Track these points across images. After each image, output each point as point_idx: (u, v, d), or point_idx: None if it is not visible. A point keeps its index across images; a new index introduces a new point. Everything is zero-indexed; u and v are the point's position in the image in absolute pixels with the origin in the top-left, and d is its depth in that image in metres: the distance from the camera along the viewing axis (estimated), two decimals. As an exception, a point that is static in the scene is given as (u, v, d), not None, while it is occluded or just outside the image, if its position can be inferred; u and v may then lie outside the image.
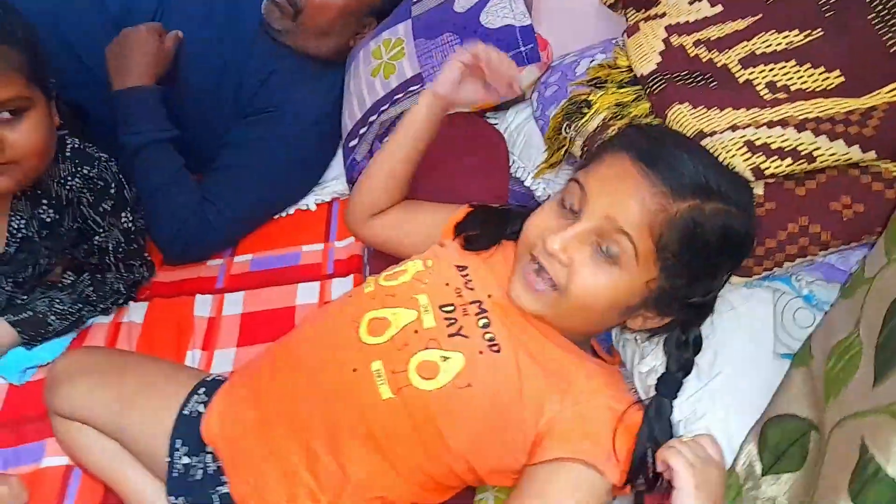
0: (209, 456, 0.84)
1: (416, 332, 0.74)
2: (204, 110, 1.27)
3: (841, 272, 0.74)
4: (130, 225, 1.10)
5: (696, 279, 0.71)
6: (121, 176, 1.07)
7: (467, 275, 0.79)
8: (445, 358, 0.72)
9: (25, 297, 1.11)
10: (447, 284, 0.78)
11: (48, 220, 1.03)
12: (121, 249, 1.11)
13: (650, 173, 0.68)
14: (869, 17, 0.76)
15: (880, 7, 0.75)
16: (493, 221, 0.87)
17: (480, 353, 0.72)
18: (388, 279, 0.81)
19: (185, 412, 0.89)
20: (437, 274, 0.80)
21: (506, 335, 0.74)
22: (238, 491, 0.79)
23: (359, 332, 0.76)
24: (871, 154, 0.71)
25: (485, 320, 0.75)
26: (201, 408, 0.90)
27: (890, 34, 0.75)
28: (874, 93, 0.74)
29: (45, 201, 1.02)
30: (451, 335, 0.73)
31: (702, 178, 0.69)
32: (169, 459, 0.87)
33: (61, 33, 1.21)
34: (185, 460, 0.87)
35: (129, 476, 0.92)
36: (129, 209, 1.09)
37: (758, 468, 0.67)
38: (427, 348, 0.73)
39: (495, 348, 0.73)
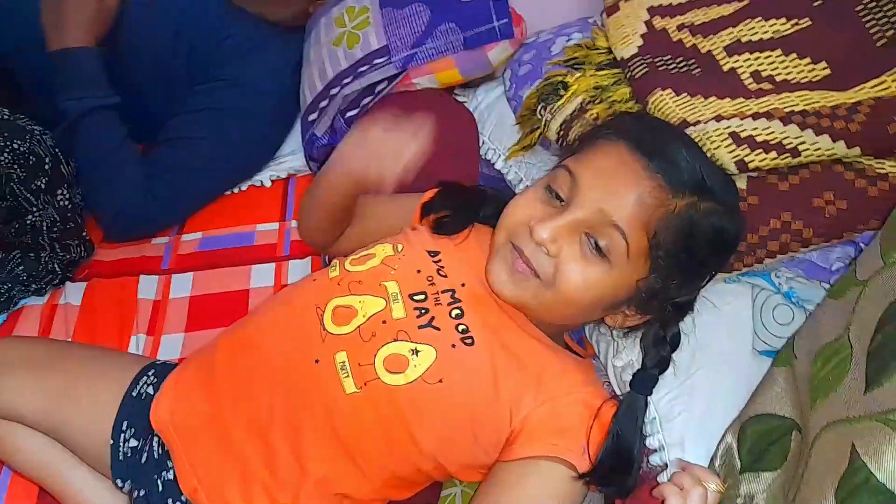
0: (155, 440, 0.79)
1: (384, 322, 0.70)
2: (151, 76, 1.18)
3: (822, 269, 0.73)
4: (67, 203, 1.03)
5: (684, 279, 0.69)
6: (57, 150, 0.98)
7: (440, 261, 0.75)
8: (415, 351, 0.68)
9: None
10: (418, 272, 0.74)
11: None
12: (56, 229, 1.03)
13: (649, 165, 0.65)
14: (857, 8, 0.75)
15: (869, -1, 0.74)
16: (465, 203, 0.83)
17: (453, 346, 0.69)
18: (355, 263, 0.76)
19: (133, 394, 0.83)
20: (408, 259, 0.75)
21: (480, 326, 0.70)
22: (187, 484, 0.74)
23: (323, 319, 0.71)
24: (856, 150, 0.70)
25: (458, 311, 0.71)
26: (151, 390, 0.84)
27: (878, 27, 0.73)
28: (860, 87, 0.73)
29: None
30: (421, 326, 0.69)
31: (699, 175, 0.66)
32: (112, 442, 0.81)
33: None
34: (133, 443, 0.81)
35: (66, 474, 0.86)
36: (66, 185, 1.01)
37: (737, 465, 0.66)
38: (396, 340, 0.69)
39: (468, 341, 0.69)
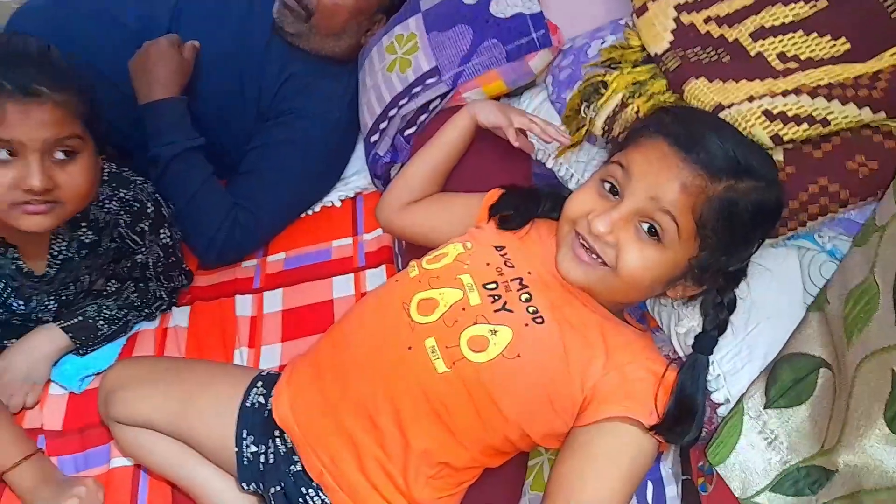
0: (277, 440, 0.90)
1: (463, 309, 0.79)
2: (225, 116, 1.31)
3: (860, 226, 0.80)
4: (169, 240, 1.15)
5: (733, 251, 0.76)
6: (157, 195, 1.11)
7: (506, 254, 0.84)
8: (494, 331, 0.77)
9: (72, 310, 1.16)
10: (488, 264, 0.83)
11: (87, 241, 1.07)
12: (160, 264, 1.16)
13: (688, 158, 0.74)
14: (870, -16, 0.81)
15: (880, -26, 0.80)
16: (525, 201, 0.92)
17: (526, 325, 0.78)
18: (431, 262, 0.86)
19: (247, 404, 0.95)
20: (478, 255, 0.85)
21: (547, 307, 0.79)
22: (313, 468, 0.85)
23: (409, 312, 0.81)
24: (881, 114, 0.76)
25: (527, 294, 0.80)
26: (262, 399, 0.95)
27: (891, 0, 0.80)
28: (879, 56, 0.79)
29: (84, 224, 1.06)
30: (496, 310, 0.79)
31: (734, 159, 0.74)
32: (237, 449, 0.93)
33: (83, 52, 1.24)
34: (253, 448, 0.93)
35: (195, 473, 0.97)
36: (167, 225, 1.13)
37: (762, 401, 0.73)
38: (476, 323, 0.78)
39: (539, 320, 0.78)
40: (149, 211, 1.10)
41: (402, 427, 0.80)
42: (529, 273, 0.83)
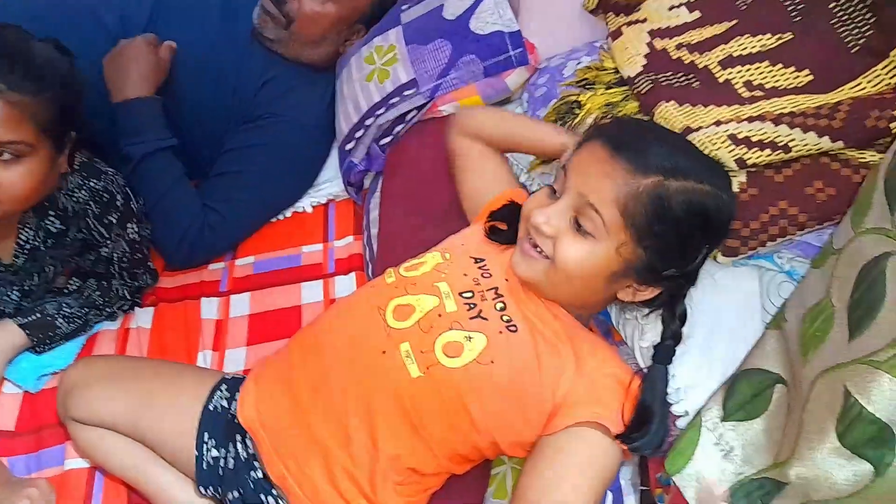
0: (239, 445, 0.89)
1: (439, 315, 0.80)
2: (200, 118, 1.30)
3: (817, 248, 0.83)
4: (136, 236, 1.13)
5: (669, 250, 0.77)
6: (128, 188, 1.10)
7: (484, 265, 0.86)
8: (469, 338, 0.79)
9: (31, 305, 1.13)
10: (465, 275, 0.84)
11: (54, 230, 1.06)
12: (125, 259, 1.14)
13: (616, 155, 0.76)
14: (831, 21, 0.86)
15: (841, 13, 0.85)
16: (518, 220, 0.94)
17: (500, 332, 0.79)
18: (409, 270, 0.87)
19: (210, 407, 0.94)
20: (456, 265, 0.86)
21: (520, 317, 0.81)
22: (275, 472, 0.84)
23: (385, 317, 0.82)
24: (840, 143, 0.80)
25: (501, 304, 0.82)
26: (225, 403, 0.95)
27: (850, 36, 0.84)
28: (839, 89, 0.83)
29: (52, 212, 1.04)
30: (472, 318, 0.80)
31: (667, 159, 0.76)
32: (197, 453, 0.92)
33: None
34: (214, 453, 0.92)
35: (153, 475, 0.96)
36: (135, 220, 1.12)
37: (720, 414, 0.76)
38: (451, 329, 0.79)
39: (513, 328, 0.80)
40: (118, 203, 1.08)
41: (372, 431, 0.80)
42: (506, 281, 0.85)
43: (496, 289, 0.83)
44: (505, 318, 0.81)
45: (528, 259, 0.81)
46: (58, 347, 1.14)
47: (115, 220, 1.09)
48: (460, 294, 0.82)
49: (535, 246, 0.80)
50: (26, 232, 1.04)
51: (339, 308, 0.91)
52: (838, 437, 0.60)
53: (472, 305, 0.81)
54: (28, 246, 1.05)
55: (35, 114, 0.90)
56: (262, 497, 0.85)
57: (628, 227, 0.76)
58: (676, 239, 0.77)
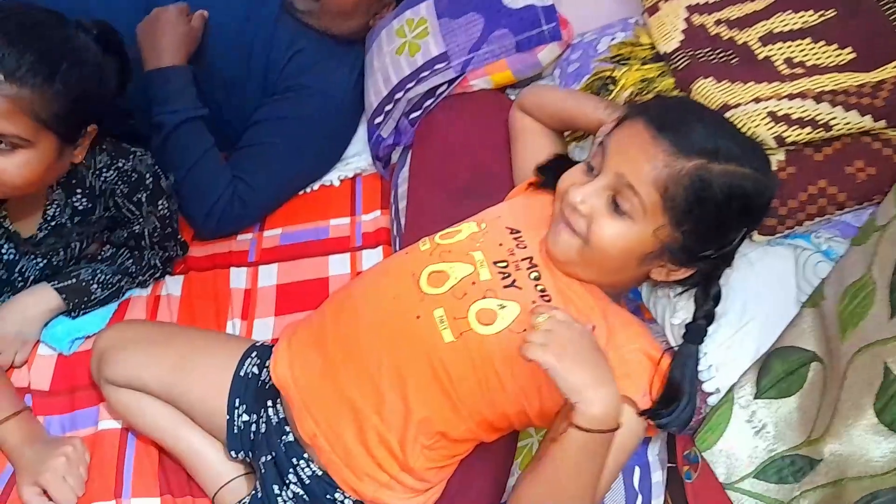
0: (270, 410, 0.91)
1: (473, 283, 0.81)
2: (230, 89, 1.30)
3: (855, 229, 0.83)
4: (166, 212, 1.14)
5: (707, 233, 0.77)
6: (157, 167, 1.10)
7: (520, 236, 0.86)
8: (502, 306, 0.79)
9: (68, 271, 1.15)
10: (500, 244, 0.85)
11: (81, 207, 1.07)
12: (156, 234, 1.15)
13: (658, 135, 0.76)
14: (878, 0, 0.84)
15: (888, -10, 0.83)
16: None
17: (534, 301, 0.80)
18: (444, 238, 0.88)
19: (241, 374, 0.96)
20: (491, 235, 0.86)
21: (554, 287, 0.81)
22: (306, 430, 0.85)
23: (419, 283, 0.83)
24: (882, 123, 0.79)
25: (535, 273, 0.82)
26: (255, 369, 0.96)
27: (896, 14, 0.83)
28: (882, 68, 0.82)
29: (79, 190, 1.05)
30: (506, 286, 0.81)
31: (710, 142, 0.75)
32: (228, 417, 0.94)
33: (93, 16, 1.23)
34: (245, 418, 0.93)
35: (184, 437, 0.98)
36: (165, 197, 1.13)
37: (752, 391, 0.76)
38: (485, 297, 0.80)
39: (546, 298, 0.80)
40: (147, 182, 1.09)
41: (404, 394, 0.81)
42: (542, 253, 0.85)
43: (530, 258, 0.83)
44: (539, 287, 0.81)
45: (562, 237, 0.81)
46: (91, 312, 1.16)
47: (144, 199, 1.10)
48: (494, 263, 0.83)
49: (569, 224, 0.80)
50: (53, 208, 1.05)
51: (374, 273, 0.92)
52: (876, 413, 0.60)
53: (506, 275, 0.82)
54: (53, 222, 1.06)
55: (35, 108, 0.87)
56: (294, 460, 0.86)
57: (667, 210, 0.75)
58: (715, 222, 0.77)
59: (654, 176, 0.75)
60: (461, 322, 0.79)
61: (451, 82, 1.21)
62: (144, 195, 1.09)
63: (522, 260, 0.83)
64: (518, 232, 0.87)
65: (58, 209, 1.05)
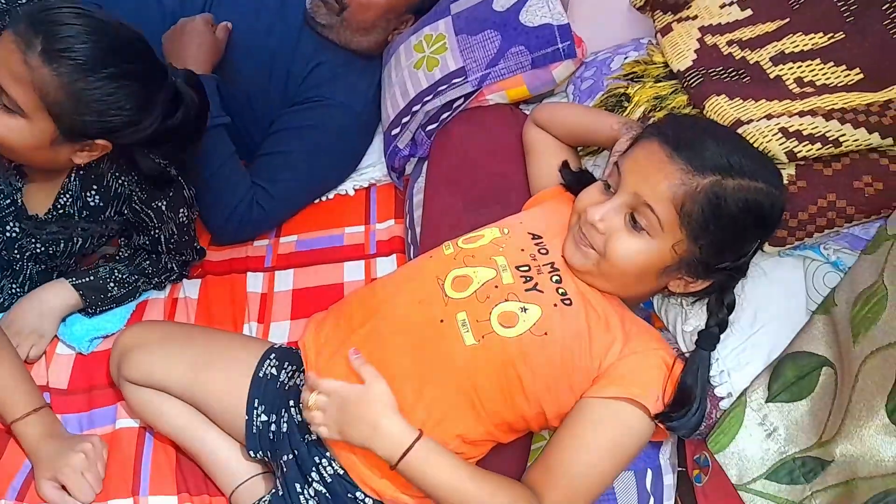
0: (293, 409, 0.92)
1: (496, 287, 0.84)
2: (251, 99, 1.34)
3: (863, 241, 0.86)
4: (186, 219, 1.16)
5: (723, 246, 0.81)
6: (180, 178, 1.12)
7: (541, 241, 0.89)
8: (524, 309, 0.82)
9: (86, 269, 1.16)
10: (522, 250, 0.87)
11: (93, 204, 1.08)
12: (173, 241, 1.17)
13: (674, 154, 0.79)
14: (885, 22, 0.88)
15: (894, 13, 0.87)
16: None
17: (555, 305, 0.82)
18: (468, 242, 0.90)
19: (260, 374, 0.97)
20: (513, 240, 0.89)
21: (575, 291, 0.84)
22: None
23: (444, 287, 0.85)
24: (889, 140, 0.83)
25: (557, 277, 0.85)
26: (274, 371, 0.98)
27: (903, 37, 0.87)
28: (890, 88, 0.86)
29: (95, 187, 1.07)
30: (527, 290, 0.83)
31: (723, 158, 0.79)
32: (247, 418, 0.95)
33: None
34: (263, 418, 0.95)
35: (203, 436, 1.00)
36: (186, 206, 1.15)
37: (764, 395, 0.79)
38: (507, 300, 0.82)
39: (567, 302, 0.83)
40: (169, 191, 1.11)
41: (424, 394, 0.83)
42: (563, 258, 0.87)
43: (552, 263, 0.86)
44: (560, 290, 0.84)
45: (580, 251, 0.84)
46: (109, 312, 1.18)
47: (163, 206, 1.11)
48: (517, 267, 0.85)
49: (587, 239, 0.83)
50: (65, 197, 1.07)
51: (401, 277, 0.93)
52: (888, 414, 0.63)
53: (528, 278, 0.84)
54: (62, 210, 1.07)
55: (46, 89, 0.89)
56: (317, 459, 0.88)
57: (684, 226, 0.78)
58: (731, 235, 0.80)
59: (670, 194, 0.78)
60: (483, 325, 0.81)
61: (467, 96, 1.25)
62: (164, 203, 1.11)
63: (544, 265, 0.86)
64: (540, 237, 0.89)
65: (69, 199, 1.07)
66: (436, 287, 0.85)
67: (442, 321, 0.83)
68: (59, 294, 1.13)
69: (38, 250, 1.10)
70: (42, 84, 0.89)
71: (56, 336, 1.14)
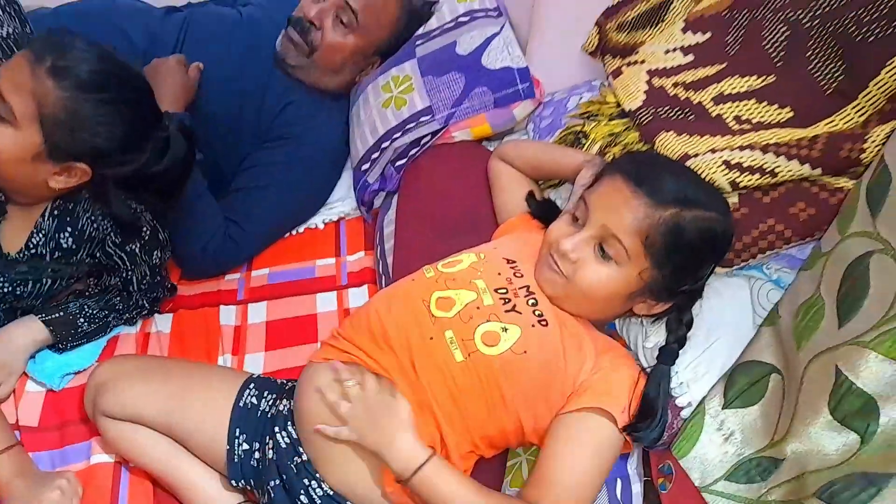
0: (278, 435, 0.95)
1: (478, 308, 0.89)
2: (224, 136, 1.38)
3: (800, 261, 0.95)
4: (158, 261, 1.18)
5: (684, 271, 0.89)
6: (155, 221, 1.14)
7: (516, 265, 0.95)
8: (505, 329, 0.87)
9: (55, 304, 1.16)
10: (499, 274, 0.93)
11: (65, 246, 1.09)
12: (145, 282, 1.19)
13: (638, 190, 0.87)
14: (808, 68, 0.99)
15: (816, 60, 0.98)
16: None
17: (532, 325, 0.88)
18: (447, 266, 0.96)
19: (241, 404, 1.00)
20: (490, 265, 0.95)
21: (550, 313, 0.90)
22: None
23: (429, 307, 0.90)
24: (818, 171, 0.92)
25: (533, 300, 0.91)
26: (254, 400, 1.00)
27: (824, 80, 0.98)
28: (815, 125, 0.96)
29: (69, 229, 1.08)
30: (507, 311, 0.89)
31: (681, 191, 0.87)
32: (229, 447, 0.97)
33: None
34: (245, 447, 0.97)
35: (181, 466, 1.01)
36: (160, 248, 1.17)
37: (721, 402, 0.86)
38: (489, 321, 0.88)
39: (544, 323, 0.89)
40: (144, 235, 1.13)
41: (422, 411, 0.87)
42: (536, 283, 0.93)
43: (528, 286, 0.92)
44: (537, 312, 0.90)
45: (552, 278, 0.90)
46: (80, 348, 1.17)
47: (136, 249, 1.13)
48: (495, 290, 0.91)
49: (556, 266, 0.90)
50: (38, 237, 1.08)
51: (389, 298, 0.96)
52: (830, 412, 0.70)
53: (507, 300, 0.90)
54: (34, 251, 1.08)
55: (44, 101, 0.92)
56: (306, 481, 0.90)
57: (648, 254, 0.86)
58: (691, 261, 0.88)
59: (636, 226, 0.85)
60: (468, 343, 0.87)
61: (434, 133, 1.32)
62: (137, 245, 1.13)
63: (520, 288, 0.92)
64: (514, 262, 0.96)
65: (42, 239, 1.07)
66: (422, 307, 0.90)
67: (431, 338, 0.88)
68: (28, 330, 1.13)
69: (6, 290, 1.10)
70: (42, 94, 0.92)
71: (25, 373, 1.14)
